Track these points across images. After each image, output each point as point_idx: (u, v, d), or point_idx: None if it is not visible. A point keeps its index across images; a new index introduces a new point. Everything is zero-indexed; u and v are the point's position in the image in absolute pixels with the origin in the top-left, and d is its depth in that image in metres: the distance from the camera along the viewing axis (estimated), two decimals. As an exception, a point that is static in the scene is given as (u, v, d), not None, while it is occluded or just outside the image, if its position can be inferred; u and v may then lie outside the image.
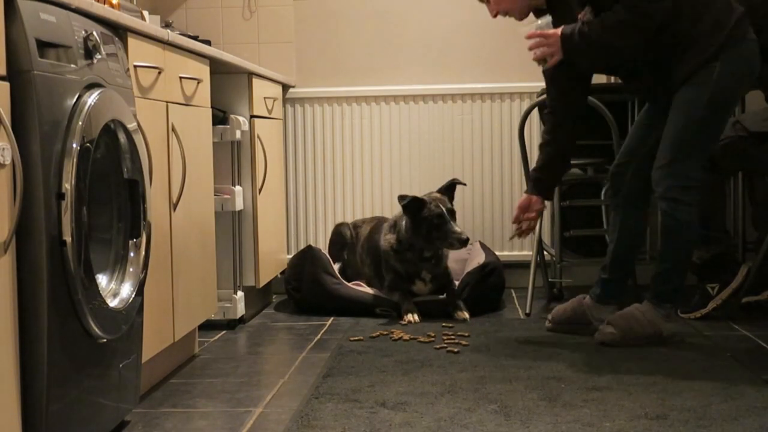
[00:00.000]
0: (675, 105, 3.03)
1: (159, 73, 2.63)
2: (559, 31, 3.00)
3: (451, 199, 3.79)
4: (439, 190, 3.81)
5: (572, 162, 3.87)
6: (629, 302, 3.21)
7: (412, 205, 3.66)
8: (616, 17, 2.92)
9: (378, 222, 4.06)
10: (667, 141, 3.03)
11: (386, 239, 3.82)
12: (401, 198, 3.69)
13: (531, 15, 3.22)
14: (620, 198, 3.25)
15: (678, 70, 3.00)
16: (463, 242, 3.62)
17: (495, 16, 3.28)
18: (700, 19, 2.96)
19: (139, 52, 2.48)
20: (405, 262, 3.76)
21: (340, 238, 4.13)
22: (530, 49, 3.06)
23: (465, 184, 4.01)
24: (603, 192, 3.99)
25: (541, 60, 3.09)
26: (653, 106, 3.21)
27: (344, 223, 4.21)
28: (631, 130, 3.31)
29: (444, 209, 3.66)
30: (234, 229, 3.57)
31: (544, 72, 3.21)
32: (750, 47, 3.00)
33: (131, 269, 2.25)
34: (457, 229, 3.64)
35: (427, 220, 3.65)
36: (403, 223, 3.75)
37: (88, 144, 1.97)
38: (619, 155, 3.29)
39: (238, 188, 3.51)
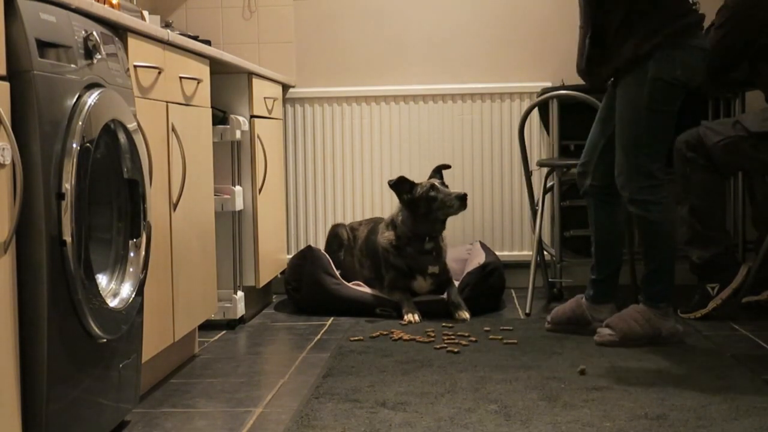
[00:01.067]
0: (618, 107, 3.08)
1: (159, 73, 2.63)
2: None
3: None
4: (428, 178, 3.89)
5: (572, 162, 3.88)
6: (628, 302, 3.21)
7: (400, 185, 3.75)
8: None
9: (375, 223, 4.06)
10: (620, 145, 3.08)
11: (384, 237, 3.83)
12: (390, 181, 3.78)
13: None
14: (589, 198, 3.27)
15: (618, 53, 3.04)
16: (462, 198, 3.68)
17: None
18: (651, 12, 3.00)
19: (139, 52, 2.48)
20: (405, 257, 3.76)
21: (337, 239, 4.13)
22: None
23: (450, 167, 4.01)
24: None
25: None
26: (607, 101, 3.22)
27: (341, 224, 4.21)
28: (591, 129, 3.32)
29: (435, 181, 3.75)
30: (234, 229, 3.57)
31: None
32: (690, 56, 3.02)
33: (131, 269, 2.25)
34: (452, 191, 3.71)
35: (422, 198, 3.71)
36: (400, 217, 3.78)
37: (88, 144, 1.97)
38: (582, 156, 3.31)
39: (238, 188, 3.51)
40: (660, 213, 3.06)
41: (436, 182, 3.75)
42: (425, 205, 3.71)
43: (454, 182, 4.37)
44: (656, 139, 3.07)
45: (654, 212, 3.05)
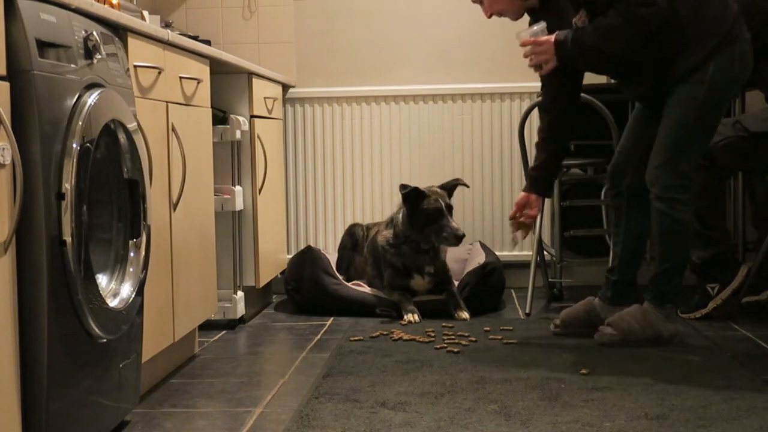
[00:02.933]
0: (669, 104, 3.03)
1: (159, 73, 2.63)
2: (552, 37, 3.01)
3: (450, 197, 3.80)
4: (441, 187, 3.82)
5: (572, 162, 3.89)
6: (631, 302, 3.21)
7: (412, 195, 3.69)
8: (609, 22, 2.92)
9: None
10: (662, 141, 3.03)
11: (383, 235, 3.84)
12: (402, 187, 3.72)
13: (526, 16, 3.23)
14: (623, 199, 3.24)
15: (672, 71, 3.00)
16: (459, 238, 3.64)
17: (489, 17, 3.31)
18: (695, 20, 2.95)
19: (139, 52, 2.48)
20: (402, 255, 3.77)
21: (352, 239, 4.14)
22: (525, 56, 3.09)
23: (468, 186, 4.01)
24: (603, 192, 3.98)
25: (537, 66, 3.10)
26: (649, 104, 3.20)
27: (358, 224, 4.22)
28: (626, 128, 3.30)
29: (443, 204, 3.68)
30: (234, 229, 3.57)
31: (541, 76, 3.21)
32: (744, 48, 3.00)
33: (131, 269, 2.25)
34: (454, 224, 3.65)
35: (425, 213, 3.67)
36: (400, 216, 3.78)
37: (88, 144, 1.97)
38: (616, 155, 3.28)
39: (238, 188, 3.51)
40: (685, 213, 3.02)
41: (443, 204, 3.67)
42: (424, 220, 3.68)
43: (454, 182, 4.38)
44: (699, 140, 3.04)
45: (679, 212, 3.01)
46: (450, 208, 3.72)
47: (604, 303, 3.26)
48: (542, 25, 3.07)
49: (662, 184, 3.02)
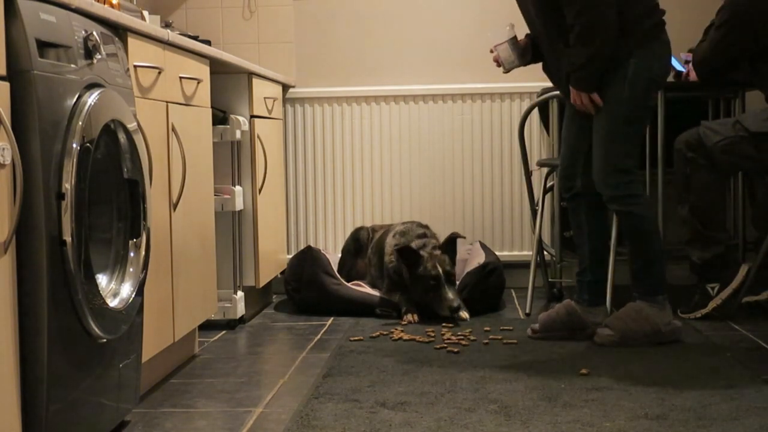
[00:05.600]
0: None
1: (159, 73, 2.63)
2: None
3: (454, 254, 3.72)
4: (441, 246, 3.71)
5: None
6: (626, 301, 3.21)
7: (406, 255, 3.61)
8: (578, 28, 2.97)
9: (394, 226, 4.03)
10: (598, 145, 3.09)
11: (390, 257, 3.77)
12: (396, 245, 3.69)
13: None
14: (580, 200, 3.25)
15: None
16: (454, 310, 3.50)
17: None
18: (628, 10, 3.00)
19: (139, 52, 2.48)
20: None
21: (356, 243, 4.12)
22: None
23: (464, 237, 3.94)
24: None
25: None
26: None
27: (363, 227, 4.21)
28: (563, 132, 3.30)
29: (441, 271, 3.56)
30: (234, 229, 3.57)
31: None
32: (663, 48, 3.08)
33: (131, 269, 2.25)
34: (450, 295, 3.53)
35: (423, 279, 3.58)
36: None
37: (88, 144, 1.97)
38: (562, 159, 3.29)
39: (238, 188, 3.51)
40: (642, 206, 3.09)
41: (442, 272, 3.55)
42: (422, 287, 3.58)
43: (454, 183, 4.39)
44: (632, 135, 3.09)
45: (636, 206, 3.07)
46: (449, 275, 3.58)
47: (584, 305, 3.25)
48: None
49: (611, 185, 3.07)
